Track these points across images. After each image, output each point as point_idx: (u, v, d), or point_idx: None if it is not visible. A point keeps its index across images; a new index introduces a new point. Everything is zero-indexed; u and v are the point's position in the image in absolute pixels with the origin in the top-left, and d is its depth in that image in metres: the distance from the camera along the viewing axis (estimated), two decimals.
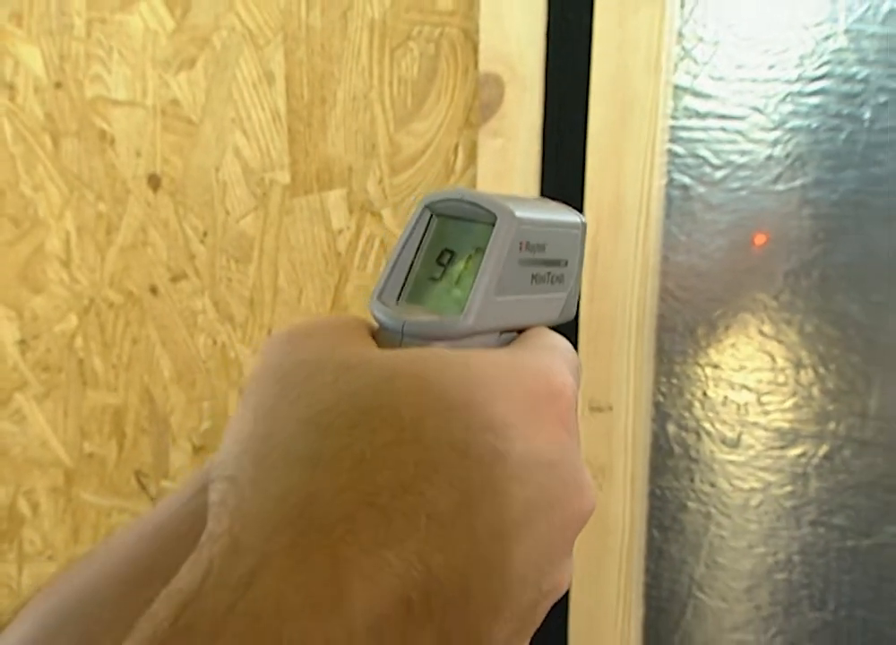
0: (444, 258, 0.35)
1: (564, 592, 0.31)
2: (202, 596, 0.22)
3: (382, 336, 0.32)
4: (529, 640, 0.30)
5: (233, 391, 0.81)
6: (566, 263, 0.38)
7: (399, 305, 0.34)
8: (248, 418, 0.29)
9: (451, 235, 0.35)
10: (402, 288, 0.35)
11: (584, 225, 0.39)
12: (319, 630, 0.21)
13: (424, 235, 0.35)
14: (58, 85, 0.79)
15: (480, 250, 0.33)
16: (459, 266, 0.35)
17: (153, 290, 0.80)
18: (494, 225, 0.33)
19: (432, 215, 0.35)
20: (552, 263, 0.38)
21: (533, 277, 0.36)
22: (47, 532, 0.83)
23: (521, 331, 0.35)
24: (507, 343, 0.34)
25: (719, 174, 0.65)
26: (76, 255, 0.83)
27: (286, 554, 0.23)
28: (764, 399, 0.64)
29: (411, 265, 0.35)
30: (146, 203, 0.79)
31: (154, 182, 0.78)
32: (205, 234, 0.77)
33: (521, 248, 0.34)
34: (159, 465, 0.84)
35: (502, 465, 0.27)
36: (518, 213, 0.33)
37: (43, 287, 0.84)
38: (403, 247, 0.35)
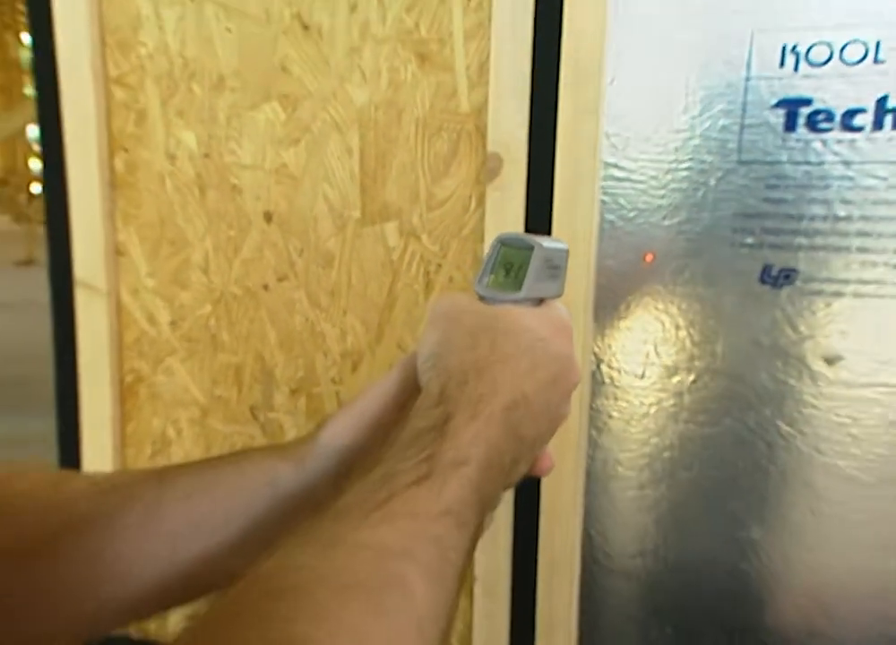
0: (507, 266, 0.53)
1: (566, 419, 0.49)
2: (445, 394, 0.42)
3: (483, 301, 0.50)
4: (545, 445, 0.48)
5: (318, 353, 0.88)
6: (560, 268, 0.54)
7: (487, 287, 0.52)
8: (435, 335, 0.47)
9: (510, 255, 0.53)
10: (488, 279, 0.52)
11: (568, 249, 0.56)
12: (486, 408, 0.41)
13: (497, 255, 0.53)
14: (206, 155, 0.87)
15: (526, 263, 0.51)
16: (514, 270, 0.52)
17: (265, 287, 0.89)
18: (532, 250, 0.51)
19: (501, 245, 0.53)
20: (555, 268, 0.54)
21: (549, 275, 0.53)
22: (188, 450, 0.93)
23: (541, 301, 0.53)
24: (538, 305, 0.52)
25: (631, 214, 0.77)
26: (212, 265, 0.89)
27: (471, 381, 0.42)
28: (658, 348, 0.78)
29: (492, 269, 0.53)
30: (262, 231, 0.87)
31: (268, 217, 0.87)
32: (302, 250, 0.86)
33: (544, 261, 0.51)
34: (266, 403, 0.91)
35: (546, 355, 0.46)
36: (544, 245, 0.51)
37: (188, 285, 0.91)
38: (487, 261, 0.53)
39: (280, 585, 0.30)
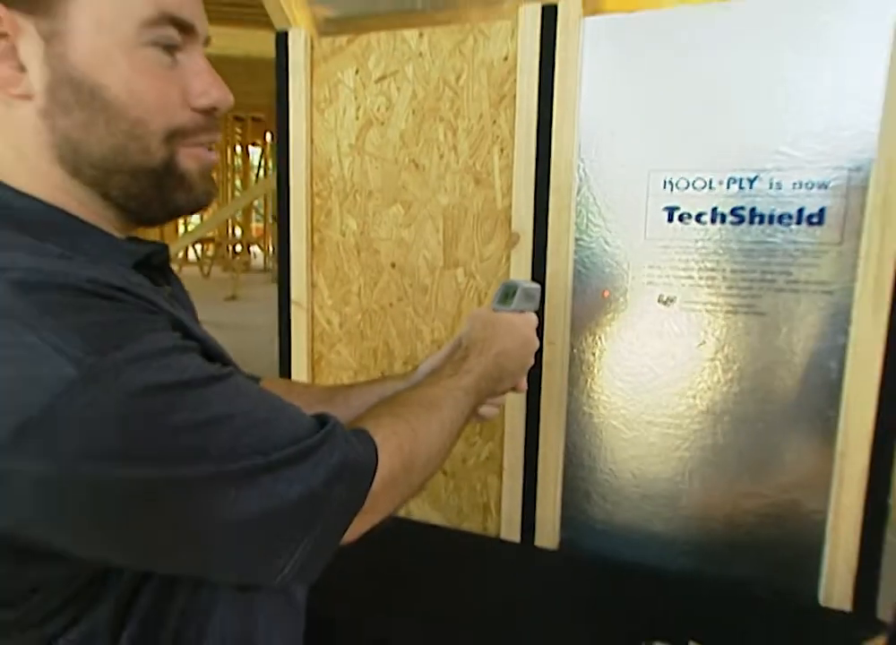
0: (506, 294, 0.77)
1: (530, 365, 0.77)
2: (468, 348, 0.72)
3: (494, 311, 0.76)
4: (519, 376, 0.76)
5: (418, 341, 1.11)
6: (535, 296, 0.79)
7: (497, 305, 0.76)
8: (469, 325, 0.75)
9: (508, 289, 0.77)
10: (499, 301, 0.77)
11: (542, 287, 0.82)
12: (485, 353, 0.71)
13: (504, 289, 0.77)
14: (361, 233, 1.11)
15: (514, 292, 0.76)
16: (510, 296, 0.77)
17: (390, 305, 1.12)
18: (518, 287, 0.76)
19: (504, 285, 0.78)
20: (531, 296, 0.79)
21: (527, 299, 0.78)
22: None
23: (523, 312, 0.77)
24: (521, 314, 0.77)
25: (591, 267, 0.99)
26: (362, 292, 1.14)
27: (479, 343, 0.72)
28: (605, 340, 1.00)
29: (499, 296, 0.77)
30: (389, 273, 1.11)
31: (393, 265, 1.11)
32: (411, 284, 1.10)
33: (524, 292, 0.77)
34: (389, 369, 1.14)
35: (519, 334, 0.75)
36: (524, 285, 0.76)
37: (349, 303, 1.15)
38: (497, 292, 0.78)
39: (391, 401, 0.64)
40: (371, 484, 0.51)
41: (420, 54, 1.08)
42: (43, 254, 0.42)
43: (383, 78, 1.11)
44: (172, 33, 0.47)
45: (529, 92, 1.00)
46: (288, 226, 1.19)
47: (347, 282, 1.18)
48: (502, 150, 1.05)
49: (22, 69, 0.44)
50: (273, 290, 1.24)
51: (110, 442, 0.38)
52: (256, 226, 10.00)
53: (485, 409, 0.78)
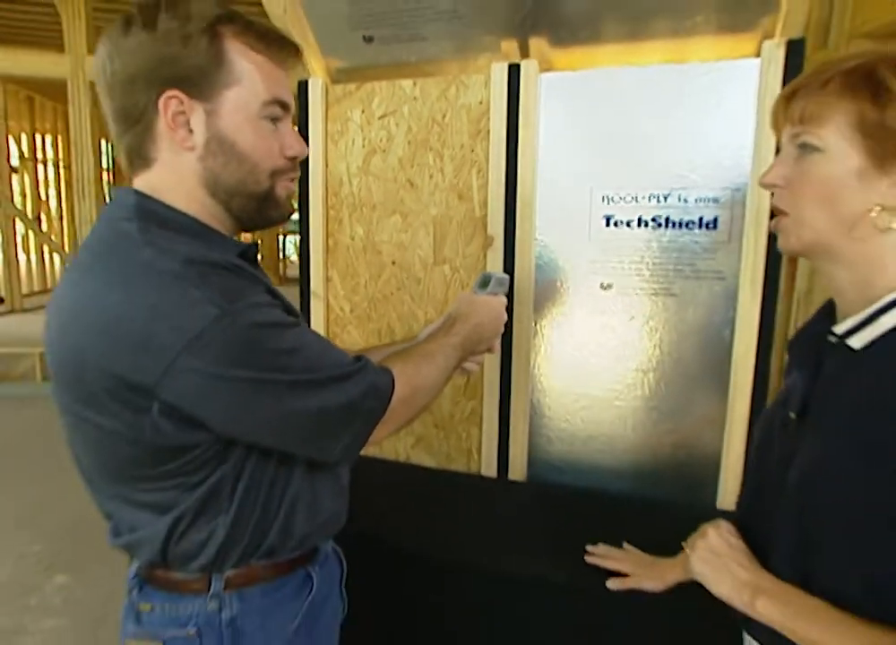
0: (484, 281, 0.98)
1: (501, 332, 0.99)
2: (455, 319, 0.93)
3: (474, 294, 0.98)
4: (493, 341, 0.98)
5: (414, 322, 1.29)
6: (505, 283, 1.00)
7: (477, 290, 0.98)
8: (455, 305, 0.96)
9: (485, 278, 0.99)
10: (478, 286, 0.99)
11: (511, 277, 1.05)
12: (467, 323, 0.92)
13: (482, 278, 0.99)
14: (367, 237, 1.29)
15: (489, 281, 0.98)
16: (486, 283, 0.99)
17: (391, 294, 1.29)
18: (492, 277, 0.99)
19: (482, 275, 1.00)
20: (502, 283, 0.99)
21: (499, 285, 0.99)
22: None
23: (496, 294, 1.00)
24: (494, 296, 0.99)
25: (549, 261, 1.19)
26: (368, 284, 1.30)
27: (462, 316, 0.93)
28: (558, 316, 1.20)
29: (479, 283, 0.99)
30: (390, 269, 1.29)
31: (393, 263, 1.28)
32: (407, 277, 1.27)
33: (497, 281, 0.98)
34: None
35: (492, 310, 0.97)
36: (496, 275, 0.98)
37: (358, 293, 1.32)
38: (477, 280, 0.99)
39: (402, 352, 0.86)
40: (389, 401, 0.72)
41: (414, 98, 1.30)
42: (194, 246, 0.66)
43: (384, 116, 1.32)
44: (277, 110, 0.71)
45: (500, 128, 1.22)
46: (308, 232, 1.40)
47: (356, 276, 1.36)
48: (479, 173, 1.25)
49: (191, 132, 0.67)
50: None
51: (233, 354, 0.60)
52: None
53: (468, 365, 0.98)
